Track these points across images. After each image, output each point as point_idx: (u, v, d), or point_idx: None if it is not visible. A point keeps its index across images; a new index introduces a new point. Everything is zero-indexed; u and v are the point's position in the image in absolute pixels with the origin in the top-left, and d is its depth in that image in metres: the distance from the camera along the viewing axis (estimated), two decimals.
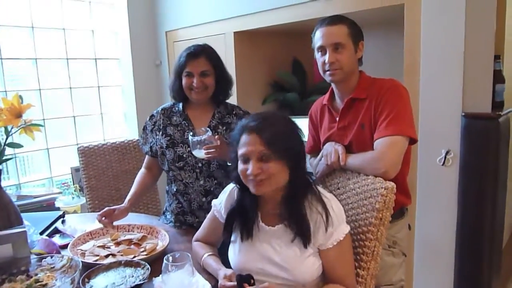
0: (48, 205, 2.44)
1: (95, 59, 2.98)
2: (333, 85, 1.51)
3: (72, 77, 2.87)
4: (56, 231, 1.63)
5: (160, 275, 1.17)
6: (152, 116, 1.73)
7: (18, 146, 1.37)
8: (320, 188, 1.22)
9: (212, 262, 1.27)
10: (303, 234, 1.15)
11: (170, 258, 1.18)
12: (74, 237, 1.54)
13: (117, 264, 1.25)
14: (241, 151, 1.14)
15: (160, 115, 1.70)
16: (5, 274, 1.23)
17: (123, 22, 2.97)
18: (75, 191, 2.76)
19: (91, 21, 2.95)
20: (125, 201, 1.63)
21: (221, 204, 1.31)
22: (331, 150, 1.43)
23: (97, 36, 2.99)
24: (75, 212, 2.29)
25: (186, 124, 1.65)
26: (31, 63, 2.69)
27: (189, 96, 1.62)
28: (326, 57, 1.41)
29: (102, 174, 2.26)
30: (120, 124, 3.17)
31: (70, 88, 2.86)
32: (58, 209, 2.42)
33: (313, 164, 1.59)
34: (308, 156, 1.68)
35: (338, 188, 1.45)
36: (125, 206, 1.60)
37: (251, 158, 1.12)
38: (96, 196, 2.24)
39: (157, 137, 1.67)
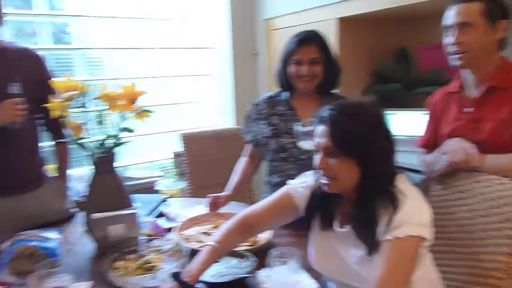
0: (148, 188, 2.58)
1: (190, 48, 3.06)
2: (462, 71, 1.33)
3: (168, 66, 2.97)
4: (161, 214, 1.69)
5: (264, 269, 1.14)
6: (256, 104, 1.70)
7: (131, 130, 1.43)
8: (405, 184, 1.03)
9: (203, 255, 1.09)
10: (367, 243, 1.00)
11: (276, 252, 1.14)
12: (177, 221, 1.58)
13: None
14: (314, 141, 1.05)
15: (265, 103, 1.67)
16: (118, 252, 1.29)
17: (222, 10, 3.00)
18: (176, 175, 2.90)
19: (187, 11, 3.01)
20: (229, 188, 1.62)
21: (302, 186, 1.17)
22: (458, 147, 1.26)
23: (192, 25, 3.05)
24: (173, 196, 2.39)
25: (291, 114, 1.59)
26: (129, 52, 2.83)
27: (295, 85, 1.55)
28: (451, 38, 1.25)
29: (204, 160, 2.31)
30: (215, 113, 3.23)
31: (166, 77, 2.96)
32: (157, 192, 2.55)
33: (427, 160, 1.43)
34: (420, 150, 1.52)
35: (460, 192, 1.28)
36: (229, 194, 1.59)
37: (320, 151, 1.03)
38: (196, 182, 2.30)
39: (261, 126, 1.64)
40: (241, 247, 1.31)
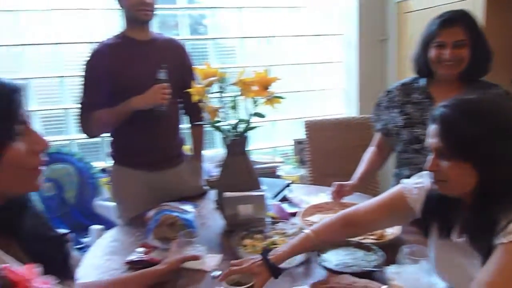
0: (271, 173, 2.67)
1: (318, 35, 3.03)
2: None
3: (296, 54, 2.99)
4: (284, 198, 1.73)
5: (393, 266, 1.08)
6: (388, 92, 1.61)
7: (262, 116, 1.48)
8: None
9: (295, 240, 1.10)
10: (482, 252, 0.87)
11: (408, 250, 1.08)
12: (300, 207, 1.60)
13: (347, 243, 1.21)
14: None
15: (398, 91, 1.56)
16: (246, 231, 1.36)
17: None
18: (295, 162, 2.95)
19: None
20: (355, 178, 1.58)
21: (416, 187, 1.06)
22: None
23: (321, 12, 3.01)
24: (293, 182, 2.44)
25: (428, 103, 1.47)
26: (260, 41, 2.92)
27: (435, 70, 1.42)
28: None
29: (325, 148, 2.29)
30: (339, 101, 3.17)
31: (294, 64, 2.99)
32: (278, 177, 2.62)
33: None
34: None
35: None
36: (355, 183, 1.55)
37: (432, 151, 0.92)
38: (317, 169, 2.30)
39: (393, 114, 1.55)
40: (368, 240, 1.27)
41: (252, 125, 1.47)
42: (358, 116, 2.41)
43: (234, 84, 1.40)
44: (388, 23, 2.92)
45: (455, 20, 1.36)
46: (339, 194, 1.54)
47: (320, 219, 1.44)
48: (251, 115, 1.46)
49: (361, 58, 2.93)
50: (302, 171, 2.78)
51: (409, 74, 1.67)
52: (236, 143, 1.46)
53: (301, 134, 3.13)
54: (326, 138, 2.33)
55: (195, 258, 1.17)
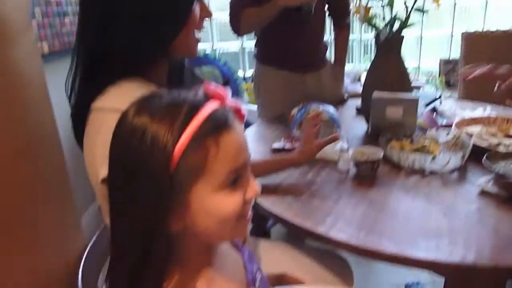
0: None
1: None
2: None
3: None
4: (435, 110, 1.59)
5: None
6: None
7: (423, 11, 1.32)
8: None
9: None
10: None
11: None
12: (453, 120, 1.46)
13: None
14: None
15: None
16: (393, 134, 1.30)
17: None
18: (441, 83, 2.68)
19: None
20: None
21: None
22: None
23: None
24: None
25: None
26: None
27: None
28: None
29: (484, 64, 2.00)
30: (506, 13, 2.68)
31: None
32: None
33: None
34: None
35: None
36: None
37: None
38: (471, 91, 2.04)
39: None
40: None
41: (410, 22, 1.33)
42: None
43: None
44: None
45: None
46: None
47: (481, 131, 1.31)
48: (411, 10, 1.32)
49: None
50: (448, 94, 2.52)
51: None
52: (391, 41, 1.35)
53: (449, 53, 2.81)
54: (486, 54, 2.02)
55: (334, 139, 1.09)
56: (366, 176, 1.10)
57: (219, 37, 2.71)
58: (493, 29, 2.08)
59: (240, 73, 2.60)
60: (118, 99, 0.65)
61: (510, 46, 2.01)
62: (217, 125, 0.49)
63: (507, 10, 2.65)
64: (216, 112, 0.50)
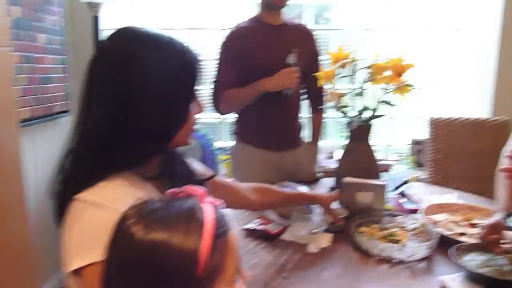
0: (383, 170, 2.55)
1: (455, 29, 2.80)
2: None
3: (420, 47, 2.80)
4: (402, 194, 1.65)
5: None
6: None
7: (392, 104, 1.43)
8: None
9: None
10: None
11: None
12: (420, 205, 1.51)
13: (477, 247, 1.11)
14: None
15: None
16: (363, 219, 1.33)
17: None
18: (411, 163, 2.79)
19: None
20: (502, 208, 1.21)
21: None
22: None
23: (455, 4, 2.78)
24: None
25: None
26: (383, 33, 2.81)
27: None
28: None
29: (451, 150, 2.13)
30: (465, 99, 2.88)
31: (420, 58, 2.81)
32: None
33: None
34: None
35: None
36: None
37: None
38: (439, 171, 2.14)
39: None
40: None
41: (378, 113, 1.43)
42: (493, 118, 2.17)
43: (367, 67, 1.37)
44: None
45: None
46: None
47: (445, 219, 1.35)
48: (379, 102, 1.42)
49: (502, 55, 2.63)
50: (418, 173, 2.62)
51: None
52: (361, 130, 1.43)
53: (419, 134, 2.95)
54: (452, 139, 2.15)
55: (335, 217, 1.30)
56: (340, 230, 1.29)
57: None
58: (459, 114, 2.25)
59: (218, 144, 2.66)
60: (106, 196, 0.69)
61: (474, 133, 2.15)
62: (223, 227, 0.55)
63: (473, 96, 2.86)
64: (217, 214, 0.55)
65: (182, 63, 0.78)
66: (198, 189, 0.58)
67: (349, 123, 1.46)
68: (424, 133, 2.68)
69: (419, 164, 2.77)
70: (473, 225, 1.31)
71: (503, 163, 1.31)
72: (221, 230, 0.54)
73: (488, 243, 1.10)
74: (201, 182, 0.94)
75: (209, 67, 1.66)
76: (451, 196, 1.57)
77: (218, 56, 1.75)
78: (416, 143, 2.84)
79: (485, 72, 2.72)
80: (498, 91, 2.65)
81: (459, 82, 2.88)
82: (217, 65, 1.75)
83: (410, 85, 1.39)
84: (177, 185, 0.78)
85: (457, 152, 2.13)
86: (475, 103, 2.80)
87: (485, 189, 1.32)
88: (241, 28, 1.74)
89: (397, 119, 2.90)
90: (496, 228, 1.13)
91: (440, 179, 2.12)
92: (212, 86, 1.76)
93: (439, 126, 2.18)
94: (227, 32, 1.75)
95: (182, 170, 0.92)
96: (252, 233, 1.31)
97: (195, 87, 0.81)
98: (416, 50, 2.81)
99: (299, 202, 1.37)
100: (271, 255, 1.17)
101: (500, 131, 1.99)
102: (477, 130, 2.14)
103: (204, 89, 2.62)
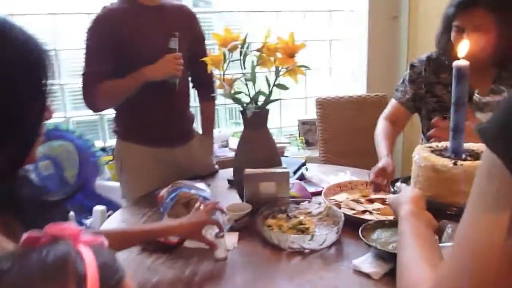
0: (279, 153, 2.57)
1: (330, 11, 2.91)
2: None
3: (305, 30, 2.87)
4: (302, 177, 1.63)
5: None
6: (413, 66, 1.49)
7: (285, 88, 1.37)
8: None
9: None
10: None
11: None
12: (320, 186, 1.51)
13: (382, 224, 1.12)
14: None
15: (425, 66, 1.45)
16: (268, 210, 1.27)
17: None
18: (301, 143, 2.85)
19: None
20: (384, 154, 1.39)
21: None
22: None
23: None
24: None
25: None
26: (267, 16, 2.80)
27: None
28: None
29: (338, 127, 2.20)
30: (343, 80, 3.06)
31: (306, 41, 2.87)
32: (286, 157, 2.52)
33: None
34: None
35: None
36: (390, 161, 1.40)
37: None
38: (330, 150, 2.20)
39: (420, 91, 1.44)
40: None
41: (273, 97, 1.36)
42: (373, 94, 2.31)
43: (258, 50, 1.29)
44: (400, 0, 2.81)
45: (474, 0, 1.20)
46: (383, 177, 1.28)
47: (346, 198, 1.36)
48: (273, 86, 1.35)
49: (371, 36, 2.82)
50: (309, 152, 2.70)
51: (421, 52, 1.55)
52: (257, 117, 1.35)
53: (305, 114, 3.05)
54: (339, 117, 2.23)
55: (212, 245, 1.06)
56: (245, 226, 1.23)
57: (72, 105, 2.45)
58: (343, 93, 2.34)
59: (99, 144, 2.35)
60: None
61: (358, 109, 2.26)
62: (114, 275, 0.40)
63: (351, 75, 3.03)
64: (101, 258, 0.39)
65: (24, 58, 0.60)
66: (68, 227, 0.41)
67: (243, 110, 1.37)
68: (310, 113, 2.78)
69: (308, 144, 2.86)
70: (371, 201, 1.34)
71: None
72: (111, 281, 0.39)
73: (377, 185, 1.28)
74: (64, 200, 0.75)
75: (76, 58, 1.41)
76: (345, 175, 1.60)
77: (85, 45, 1.49)
78: (303, 123, 2.92)
79: (360, 52, 2.90)
80: (369, 70, 2.84)
81: (339, 64, 3.02)
82: (85, 55, 1.49)
83: (304, 66, 1.35)
84: (30, 218, 0.59)
85: (345, 130, 2.21)
86: (354, 84, 2.97)
87: (374, 163, 1.36)
88: (110, 10, 1.50)
89: (285, 100, 2.94)
90: (384, 171, 1.29)
91: (331, 157, 2.19)
92: (81, 79, 1.50)
93: (325, 106, 2.23)
94: (94, 16, 1.50)
95: (31, 193, 0.70)
96: (146, 247, 1.13)
97: (44, 87, 0.63)
98: (297, 34, 2.86)
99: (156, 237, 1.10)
100: (174, 269, 1.03)
101: (380, 105, 2.11)
102: (360, 106, 2.25)
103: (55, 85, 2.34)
